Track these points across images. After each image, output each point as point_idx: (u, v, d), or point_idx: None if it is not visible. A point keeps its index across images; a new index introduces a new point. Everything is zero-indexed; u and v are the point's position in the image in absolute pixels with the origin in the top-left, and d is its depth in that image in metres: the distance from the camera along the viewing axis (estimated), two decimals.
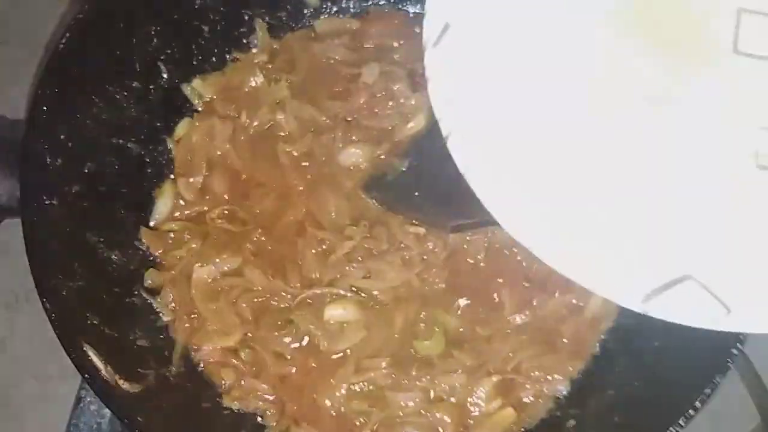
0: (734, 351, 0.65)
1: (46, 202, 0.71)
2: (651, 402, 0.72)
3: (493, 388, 0.79)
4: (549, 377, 0.80)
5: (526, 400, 0.80)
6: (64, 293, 0.68)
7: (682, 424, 0.63)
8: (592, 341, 0.82)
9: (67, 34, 0.74)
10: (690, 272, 0.47)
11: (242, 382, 0.79)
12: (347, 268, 0.82)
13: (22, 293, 1.06)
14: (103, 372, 0.65)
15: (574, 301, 0.82)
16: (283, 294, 0.82)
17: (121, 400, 0.66)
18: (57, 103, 0.74)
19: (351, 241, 0.82)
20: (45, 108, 0.73)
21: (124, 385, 0.67)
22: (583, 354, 0.81)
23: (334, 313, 0.81)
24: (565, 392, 0.80)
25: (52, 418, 0.98)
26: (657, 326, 0.73)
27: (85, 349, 0.66)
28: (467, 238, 0.84)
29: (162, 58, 0.87)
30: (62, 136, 0.75)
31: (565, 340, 0.82)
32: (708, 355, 0.69)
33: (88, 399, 0.87)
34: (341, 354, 0.81)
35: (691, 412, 0.64)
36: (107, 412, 0.86)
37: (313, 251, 0.83)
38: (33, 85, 0.73)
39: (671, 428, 0.63)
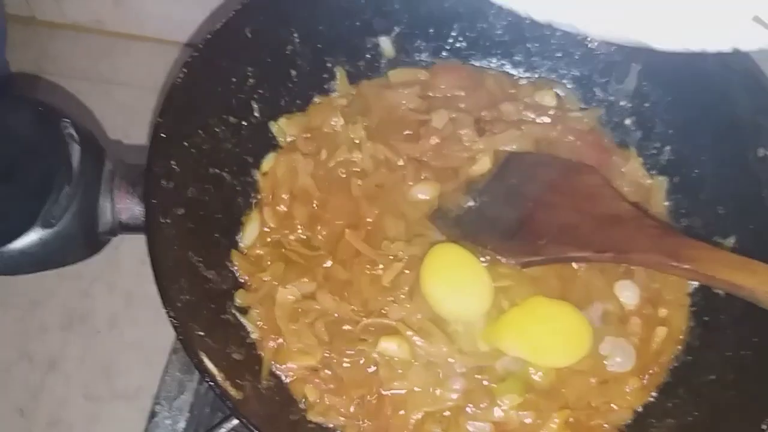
0: None
1: (162, 221, 0.77)
2: (712, 429, 0.76)
3: (562, 422, 0.84)
4: (615, 409, 0.84)
5: (592, 430, 0.84)
6: (179, 305, 0.73)
7: None
8: (657, 375, 0.87)
9: (184, 70, 0.82)
10: None
11: (324, 400, 0.84)
12: (399, 294, 0.87)
13: (76, 316, 1.10)
14: (218, 377, 0.70)
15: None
16: (351, 319, 0.87)
17: (234, 402, 0.70)
18: (171, 131, 0.81)
19: (399, 263, 0.87)
20: (162, 135, 0.79)
21: (232, 391, 0.71)
22: (648, 387, 0.86)
23: (387, 346, 0.85)
24: (627, 422, 0.84)
25: None
26: (713, 361, 0.79)
27: (201, 356, 0.70)
28: None
29: (255, 97, 0.95)
30: (173, 162, 0.81)
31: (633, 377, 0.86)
32: (764, 387, 0.74)
33: (163, 414, 0.91)
34: (401, 392, 0.84)
35: None
36: (180, 426, 0.90)
37: (368, 272, 0.88)
38: (153, 114, 0.80)
39: None
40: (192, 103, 0.85)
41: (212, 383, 0.68)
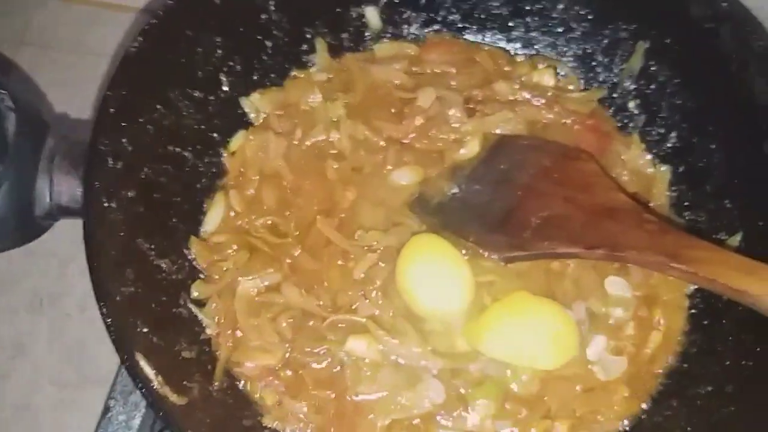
0: None
1: (105, 205, 0.70)
2: None
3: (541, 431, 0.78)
4: (601, 419, 0.78)
5: None
6: (118, 299, 0.67)
7: None
8: (648, 384, 0.80)
9: (140, 38, 0.74)
10: None
11: (282, 403, 0.78)
12: (371, 289, 0.81)
13: (46, 297, 1.06)
14: (155, 383, 0.64)
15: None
16: (317, 314, 0.80)
17: (170, 411, 0.64)
18: (123, 106, 0.74)
19: (374, 254, 0.80)
20: (112, 110, 0.72)
21: (172, 397, 0.65)
22: (638, 396, 0.80)
23: (355, 345, 0.79)
24: None
25: (70, 425, 0.97)
26: (711, 370, 0.72)
27: (137, 358, 0.64)
28: None
29: (224, 69, 0.88)
30: (124, 140, 0.75)
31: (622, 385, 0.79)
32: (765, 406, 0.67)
33: (117, 409, 0.86)
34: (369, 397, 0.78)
35: None
36: (135, 423, 0.85)
37: (339, 263, 0.82)
38: (101, 86, 0.72)
39: None
40: (149, 75, 0.78)
41: (145, 390, 0.61)
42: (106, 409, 0.82)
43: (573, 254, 0.78)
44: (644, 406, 0.80)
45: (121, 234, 0.72)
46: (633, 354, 0.82)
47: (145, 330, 0.69)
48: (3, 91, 0.67)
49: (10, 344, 1.06)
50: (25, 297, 1.07)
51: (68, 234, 0.99)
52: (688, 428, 0.74)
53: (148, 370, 0.65)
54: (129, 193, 0.75)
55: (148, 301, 0.73)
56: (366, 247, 0.83)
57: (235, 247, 0.84)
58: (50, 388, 1.03)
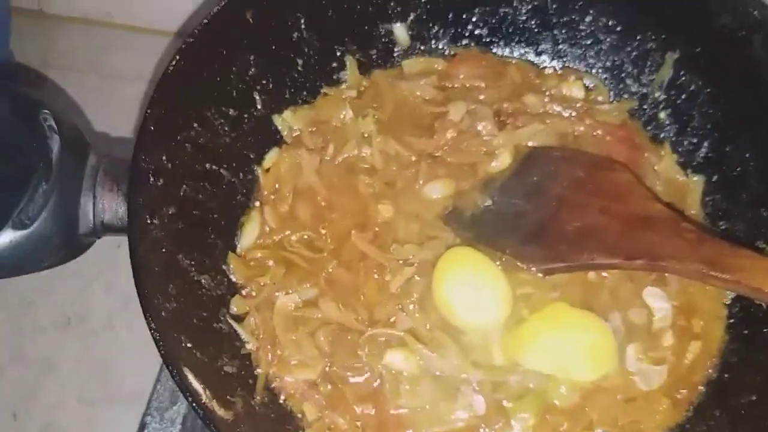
0: None
1: (148, 221, 0.71)
2: None
3: None
4: (644, 429, 0.77)
5: None
6: (164, 314, 0.67)
7: None
8: (689, 393, 0.79)
9: (177, 57, 0.75)
10: None
11: (323, 417, 0.78)
12: (407, 302, 0.80)
13: (73, 315, 1.06)
14: (204, 397, 0.64)
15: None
16: (355, 328, 0.80)
17: (220, 425, 0.63)
18: (162, 124, 0.75)
19: (410, 268, 0.80)
20: (152, 128, 0.73)
21: (219, 411, 0.65)
22: (680, 406, 0.79)
23: (394, 359, 0.79)
24: None
25: None
26: (753, 380, 0.71)
27: (186, 372, 0.64)
28: None
29: (257, 88, 0.89)
30: (164, 158, 0.75)
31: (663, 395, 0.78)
32: None
33: (153, 426, 0.85)
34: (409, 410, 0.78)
35: None
36: None
37: (375, 277, 0.82)
38: (142, 105, 0.73)
39: None
40: (186, 94, 0.79)
41: (196, 404, 0.61)
42: (143, 426, 0.82)
43: (612, 265, 0.77)
44: (686, 415, 0.79)
45: (163, 250, 0.72)
46: (673, 364, 0.81)
47: (188, 345, 0.69)
48: (46, 111, 0.68)
49: (38, 362, 1.07)
50: (52, 316, 1.08)
51: (92, 254, 1.00)
52: None
53: (197, 385, 0.65)
54: (169, 210, 0.75)
55: (190, 317, 0.73)
56: (401, 261, 0.83)
57: (271, 262, 0.85)
58: (77, 406, 1.03)
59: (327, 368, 0.79)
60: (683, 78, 0.91)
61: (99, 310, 1.07)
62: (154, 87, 0.75)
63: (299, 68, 0.92)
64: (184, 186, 0.79)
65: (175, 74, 0.77)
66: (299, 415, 0.79)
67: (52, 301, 1.08)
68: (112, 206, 0.72)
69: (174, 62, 0.76)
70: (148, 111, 0.73)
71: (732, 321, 0.84)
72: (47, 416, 1.02)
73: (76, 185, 0.71)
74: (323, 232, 0.86)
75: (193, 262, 0.77)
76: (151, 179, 0.73)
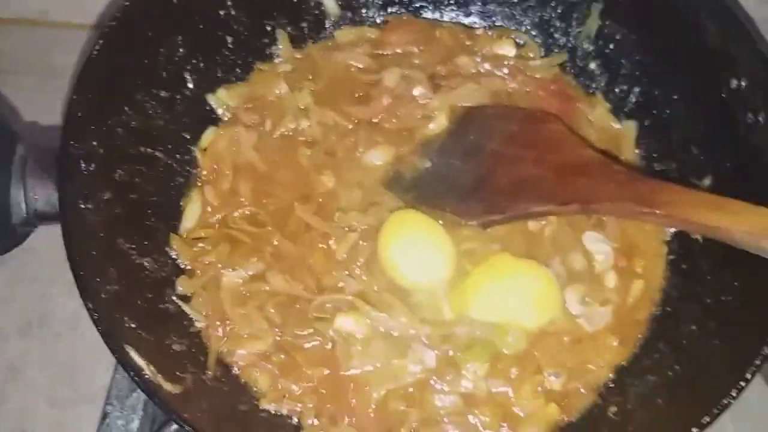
0: None
1: (82, 207, 0.71)
2: (695, 381, 0.72)
3: (534, 388, 0.79)
4: (592, 369, 0.79)
5: (569, 394, 0.79)
6: (103, 296, 0.67)
7: (735, 395, 0.62)
8: (635, 331, 0.81)
9: (100, 41, 0.75)
10: None
11: (277, 385, 0.79)
12: (354, 267, 0.82)
13: (35, 319, 1.06)
14: (147, 372, 0.64)
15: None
16: (304, 297, 0.81)
17: (165, 399, 0.64)
18: (90, 109, 0.74)
19: (354, 234, 0.82)
20: (79, 114, 0.73)
21: (167, 385, 0.66)
22: (627, 343, 0.81)
23: (344, 323, 0.80)
24: (606, 383, 0.79)
25: None
26: (693, 311, 0.74)
27: (127, 349, 0.64)
28: None
29: (188, 68, 0.88)
30: (94, 143, 0.75)
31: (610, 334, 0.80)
32: (748, 333, 0.69)
33: (115, 414, 0.85)
34: (362, 370, 0.79)
35: (743, 384, 0.63)
36: (134, 426, 0.86)
37: (321, 246, 0.83)
38: (68, 91, 0.73)
39: (726, 400, 0.62)
40: (113, 78, 0.78)
41: (138, 379, 0.62)
42: (104, 415, 0.82)
43: (547, 212, 0.79)
44: (633, 352, 0.81)
45: (101, 235, 0.72)
46: (617, 304, 0.83)
47: (133, 326, 0.69)
48: None
49: (4, 369, 1.05)
50: (14, 321, 1.07)
51: (49, 257, 1.00)
52: (677, 367, 0.76)
53: (139, 360, 0.65)
54: (105, 195, 0.75)
55: (133, 299, 0.73)
56: (346, 228, 0.84)
57: (215, 240, 0.85)
58: (46, 409, 1.02)
59: (278, 338, 0.80)
60: (609, 28, 0.93)
61: (60, 313, 1.06)
62: (78, 73, 0.74)
63: (230, 46, 0.92)
64: (119, 170, 0.78)
65: (99, 59, 0.76)
66: (253, 386, 0.79)
67: (13, 308, 1.07)
68: (44, 195, 0.72)
69: (97, 47, 0.76)
70: (74, 97, 0.73)
71: (672, 258, 0.86)
72: (16, 422, 1.01)
73: (4, 176, 0.71)
74: (265, 205, 0.86)
75: (133, 246, 0.77)
76: (83, 165, 0.73)
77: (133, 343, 0.67)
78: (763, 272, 0.67)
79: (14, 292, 1.07)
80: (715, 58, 0.82)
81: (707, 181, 0.83)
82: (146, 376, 0.64)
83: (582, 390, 0.79)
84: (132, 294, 0.73)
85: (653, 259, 0.85)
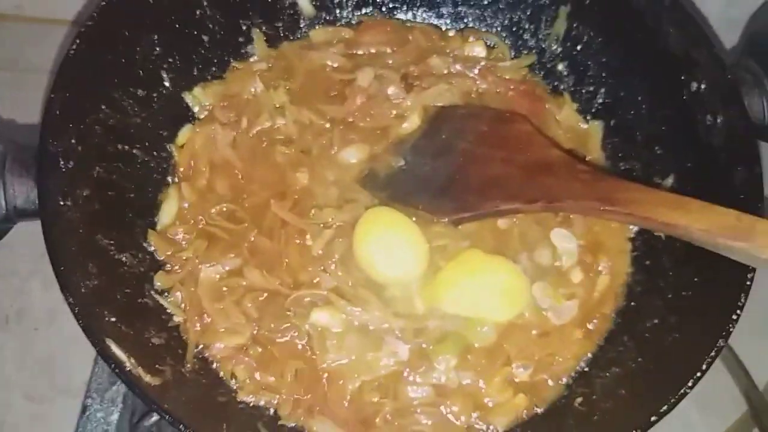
0: (734, 316, 0.68)
1: (61, 203, 0.72)
2: (656, 373, 0.75)
3: (503, 379, 0.81)
4: (559, 360, 0.82)
5: (537, 385, 0.82)
6: (83, 290, 0.68)
7: (691, 385, 0.65)
8: (600, 324, 0.85)
9: (77, 41, 0.76)
10: None
11: (255, 378, 0.80)
12: (330, 263, 0.83)
13: (12, 314, 1.06)
14: (127, 364, 0.66)
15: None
16: (280, 293, 0.83)
17: (146, 390, 0.66)
18: (68, 107, 0.75)
19: (330, 230, 0.84)
20: (57, 112, 0.74)
21: (147, 377, 0.67)
22: (592, 336, 0.84)
23: (319, 317, 0.82)
24: (571, 375, 0.82)
25: None
26: (656, 305, 0.77)
27: (108, 342, 0.66)
28: None
29: (164, 66, 0.89)
30: (73, 140, 0.76)
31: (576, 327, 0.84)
32: (706, 327, 0.72)
33: (95, 407, 0.87)
34: (337, 363, 0.81)
35: (699, 375, 0.66)
36: (114, 419, 0.87)
37: (297, 242, 0.84)
38: (45, 89, 0.74)
39: (682, 390, 0.66)
40: (91, 77, 0.79)
41: (119, 371, 0.63)
42: (84, 408, 0.83)
43: (515, 210, 0.82)
44: (598, 344, 0.84)
45: (80, 231, 0.73)
46: (583, 298, 0.86)
47: (113, 320, 0.71)
48: None
49: None
50: None
51: (26, 251, 1.00)
52: (639, 359, 0.79)
53: (120, 353, 0.67)
54: (83, 192, 0.76)
55: (113, 293, 0.74)
56: (322, 225, 0.86)
57: (192, 236, 0.86)
58: (24, 403, 1.02)
59: (255, 332, 0.81)
60: (577, 30, 0.96)
61: (38, 307, 1.07)
62: (56, 71, 0.75)
63: (206, 44, 0.93)
64: (97, 168, 0.79)
65: (77, 58, 0.77)
66: (231, 379, 0.80)
67: None
68: (23, 191, 0.73)
69: (75, 46, 0.77)
70: (52, 95, 0.74)
71: (635, 254, 0.89)
72: None
73: None
74: (242, 201, 0.87)
75: (112, 242, 0.78)
76: (61, 162, 0.74)
77: (113, 336, 0.68)
78: (720, 269, 0.70)
79: None
80: (676, 61, 0.85)
81: (670, 181, 0.86)
82: (127, 369, 0.65)
83: (549, 381, 0.81)
84: (111, 289, 0.74)
85: (618, 256, 0.88)
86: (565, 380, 0.82)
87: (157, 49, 0.87)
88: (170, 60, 0.89)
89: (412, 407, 0.79)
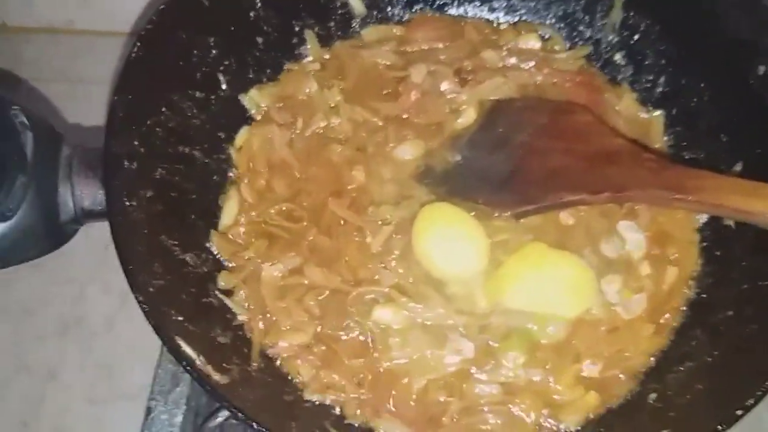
0: None
1: (127, 204, 0.72)
2: (735, 365, 0.72)
3: (574, 376, 0.79)
4: (630, 356, 0.80)
5: (608, 381, 0.79)
6: (151, 290, 0.69)
7: None
8: (671, 318, 0.82)
9: (138, 44, 0.77)
10: None
11: (319, 376, 0.80)
12: (390, 260, 0.83)
13: (72, 320, 1.07)
14: (197, 362, 0.66)
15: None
16: (342, 290, 0.82)
17: (216, 387, 0.65)
18: (130, 109, 0.76)
19: (388, 227, 0.83)
20: (120, 114, 0.74)
21: (215, 375, 0.67)
22: (663, 331, 0.81)
23: (381, 315, 0.81)
24: (644, 370, 0.79)
25: None
26: (729, 296, 0.74)
27: (177, 341, 0.66)
28: None
29: (221, 69, 0.90)
30: (135, 142, 0.77)
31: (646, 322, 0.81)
32: None
33: (159, 409, 0.87)
34: (401, 361, 0.80)
35: None
36: (178, 420, 0.87)
37: (356, 239, 0.84)
38: (108, 93, 0.75)
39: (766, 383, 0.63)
40: (151, 79, 0.80)
41: (189, 367, 0.63)
42: (148, 411, 0.84)
43: (579, 201, 0.80)
44: (670, 339, 0.82)
45: (145, 231, 0.74)
46: (652, 291, 0.83)
47: (179, 318, 0.71)
48: (16, 107, 0.70)
49: (42, 369, 1.07)
50: (52, 322, 1.09)
51: (83, 258, 1.02)
52: (715, 352, 0.76)
53: (190, 351, 0.67)
54: (147, 193, 0.77)
55: (178, 293, 0.75)
56: (380, 222, 0.85)
57: (253, 236, 0.86)
58: (85, 407, 1.04)
59: (318, 330, 0.81)
60: (633, 18, 0.94)
61: (97, 312, 1.09)
62: (118, 75, 0.76)
63: (260, 46, 0.94)
64: (160, 169, 0.80)
65: (138, 61, 0.78)
66: (296, 378, 0.80)
67: (50, 310, 1.09)
68: (90, 193, 0.74)
69: (135, 49, 0.78)
70: (115, 97, 0.75)
71: (704, 245, 0.86)
72: (56, 421, 1.03)
73: (52, 175, 0.73)
74: (300, 200, 0.87)
75: (176, 242, 0.79)
76: (126, 163, 0.75)
77: (182, 334, 0.68)
78: None
79: (51, 293, 1.09)
80: (740, 45, 0.82)
81: (738, 168, 0.84)
82: (198, 366, 0.65)
83: (621, 377, 0.79)
84: (177, 288, 0.75)
85: (686, 247, 0.85)
86: (637, 376, 0.79)
87: (214, 51, 0.88)
88: (226, 62, 0.90)
89: (479, 405, 0.78)
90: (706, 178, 0.72)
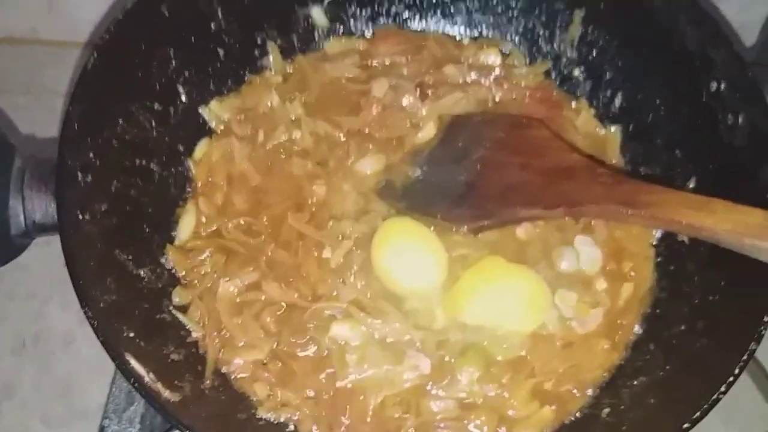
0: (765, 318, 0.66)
1: (80, 217, 0.71)
2: (685, 380, 0.73)
3: (529, 392, 0.80)
4: (584, 371, 0.81)
5: (563, 396, 0.80)
6: (102, 305, 0.68)
7: (724, 390, 0.64)
8: (626, 333, 0.83)
9: (95, 54, 0.76)
10: None
11: (275, 394, 0.79)
12: (348, 275, 0.82)
13: (29, 338, 1.06)
14: (147, 379, 0.65)
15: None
16: (299, 306, 0.82)
17: (165, 405, 0.65)
18: (86, 121, 0.75)
19: (348, 242, 0.82)
20: (75, 125, 0.74)
21: (165, 393, 0.66)
22: (618, 346, 0.82)
23: (339, 330, 0.81)
24: (599, 384, 0.80)
25: None
26: (682, 311, 0.75)
27: (127, 357, 0.65)
28: None
29: (180, 80, 0.89)
30: (91, 155, 0.76)
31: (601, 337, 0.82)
32: (736, 330, 0.70)
33: (112, 428, 0.86)
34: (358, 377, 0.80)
35: (731, 379, 0.64)
36: None
37: (315, 254, 0.83)
38: (63, 104, 0.74)
39: (715, 396, 0.64)
40: (108, 90, 0.79)
41: (138, 384, 0.63)
42: (101, 429, 0.82)
43: (535, 216, 0.81)
44: (624, 354, 0.82)
45: (98, 245, 0.73)
46: (608, 306, 0.84)
47: (131, 335, 0.70)
48: None
49: None
50: (8, 340, 1.07)
51: (45, 273, 1.00)
52: (667, 367, 0.77)
53: (139, 368, 0.66)
54: (101, 207, 0.76)
55: (131, 309, 0.74)
56: (340, 236, 0.85)
57: (210, 251, 0.85)
58: (41, 427, 1.02)
59: (274, 346, 0.80)
60: (592, 34, 0.95)
61: (55, 329, 1.07)
62: (74, 85, 0.75)
63: (221, 58, 0.93)
64: (115, 182, 0.79)
65: (94, 71, 0.77)
66: (250, 395, 0.79)
67: (6, 326, 1.07)
68: (42, 206, 0.73)
69: (92, 59, 0.77)
70: (70, 108, 0.73)
71: (659, 260, 0.87)
72: None
73: (2, 188, 0.71)
74: (259, 215, 0.87)
75: (130, 257, 0.78)
76: (79, 176, 0.73)
77: (132, 351, 0.67)
78: (747, 271, 0.68)
79: (7, 310, 1.06)
80: (694, 61, 0.84)
81: (692, 184, 0.85)
82: (147, 383, 0.64)
83: (575, 392, 0.80)
84: (130, 304, 0.74)
85: (642, 262, 0.86)
86: (591, 391, 0.80)
87: (173, 62, 0.87)
88: (186, 74, 0.89)
89: (435, 422, 0.78)
90: (659, 193, 0.72)
